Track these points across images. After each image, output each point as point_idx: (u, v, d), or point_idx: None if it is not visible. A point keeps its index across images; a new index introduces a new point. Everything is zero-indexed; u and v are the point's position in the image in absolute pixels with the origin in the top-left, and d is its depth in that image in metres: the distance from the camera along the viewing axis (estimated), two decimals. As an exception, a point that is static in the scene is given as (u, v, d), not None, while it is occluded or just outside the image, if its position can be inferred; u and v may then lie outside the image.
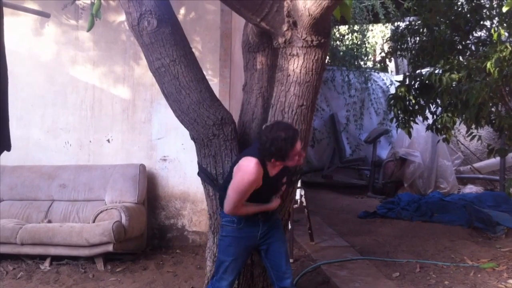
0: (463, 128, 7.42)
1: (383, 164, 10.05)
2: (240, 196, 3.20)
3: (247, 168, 3.17)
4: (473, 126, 5.26)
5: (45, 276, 5.02)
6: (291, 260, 5.29)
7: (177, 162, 6.13)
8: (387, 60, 6.71)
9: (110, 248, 5.13)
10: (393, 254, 5.68)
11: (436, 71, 5.43)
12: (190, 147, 4.07)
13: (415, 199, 8.12)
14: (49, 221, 5.59)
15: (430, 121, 6.04)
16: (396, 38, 6.47)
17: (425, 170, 9.36)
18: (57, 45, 6.25)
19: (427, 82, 5.51)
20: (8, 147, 2.65)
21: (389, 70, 13.06)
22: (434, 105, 5.85)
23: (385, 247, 5.97)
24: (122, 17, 5.94)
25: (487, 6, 5.82)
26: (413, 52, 6.37)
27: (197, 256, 5.65)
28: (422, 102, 5.84)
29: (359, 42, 12.30)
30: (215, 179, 3.64)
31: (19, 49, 6.15)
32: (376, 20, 10.86)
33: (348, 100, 11.42)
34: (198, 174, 3.80)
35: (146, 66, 3.75)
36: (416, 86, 5.80)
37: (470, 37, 6.05)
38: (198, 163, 3.78)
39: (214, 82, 5.66)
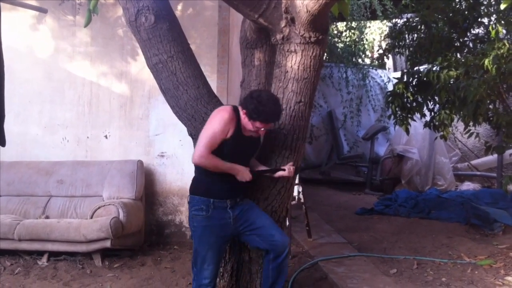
0: (460, 125, 7.42)
1: (381, 161, 10.07)
2: (211, 139, 3.19)
3: (220, 110, 3.28)
4: (471, 123, 5.27)
5: (42, 271, 5.02)
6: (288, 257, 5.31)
7: (175, 158, 6.13)
8: (385, 57, 6.69)
9: (107, 244, 5.13)
10: (391, 250, 5.68)
11: (434, 68, 5.44)
12: (188, 143, 4.07)
13: (412, 196, 8.14)
14: (47, 217, 5.59)
15: (427, 118, 6.04)
16: (394, 35, 6.47)
17: (422, 167, 9.37)
18: (54, 41, 6.24)
19: (425, 79, 5.51)
20: (3, 143, 2.64)
21: (387, 67, 13.04)
22: (432, 102, 5.85)
23: (382, 243, 5.97)
24: (120, 13, 5.92)
25: (485, 3, 5.83)
26: (411, 49, 6.37)
27: (194, 252, 5.65)
28: (420, 99, 5.84)
29: (357, 39, 12.29)
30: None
31: (16, 45, 6.13)
32: (374, 17, 10.86)
33: (346, 97, 11.43)
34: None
35: (144, 62, 3.76)
36: (414, 83, 5.80)
37: (468, 34, 6.05)
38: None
39: (211, 79, 5.64)
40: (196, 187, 3.44)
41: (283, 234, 3.50)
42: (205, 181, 3.39)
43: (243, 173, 3.31)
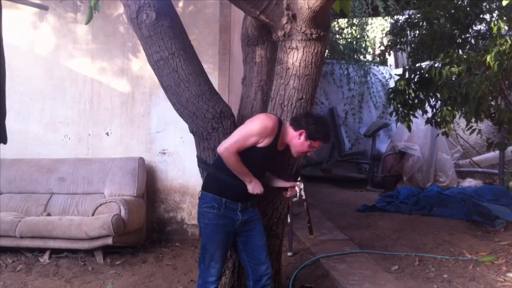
0: (462, 122, 7.41)
1: (382, 158, 10.05)
2: (244, 137, 3.17)
3: (267, 116, 3.27)
4: (473, 120, 5.25)
5: (44, 269, 5.03)
6: (290, 254, 5.32)
7: (176, 155, 6.13)
8: (386, 53, 6.69)
9: (109, 241, 5.14)
10: (392, 247, 5.68)
11: (436, 65, 5.43)
12: (189, 140, 4.06)
13: (414, 192, 8.13)
14: (48, 214, 5.60)
15: (429, 114, 6.03)
16: (396, 31, 6.45)
17: (424, 164, 9.35)
18: (55, 38, 6.24)
19: (426, 75, 5.50)
20: (4, 140, 2.64)
21: (389, 64, 13.03)
22: (433, 99, 5.84)
23: (384, 240, 5.97)
24: (121, 10, 5.92)
25: (487, -1, 5.81)
26: (413, 45, 6.35)
27: (196, 249, 5.65)
28: (421, 96, 5.83)
29: (358, 36, 12.29)
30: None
31: (18, 42, 6.14)
32: (375, 13, 10.84)
33: (348, 94, 11.41)
34: (199, 165, 3.79)
35: (145, 59, 3.75)
36: (415, 79, 5.79)
37: (470, 30, 6.03)
38: (197, 156, 3.78)
39: (213, 76, 5.62)
40: (210, 184, 3.41)
41: (268, 263, 3.43)
42: (219, 179, 3.36)
43: (255, 186, 3.27)
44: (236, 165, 3.19)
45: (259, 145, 3.18)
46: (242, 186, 3.28)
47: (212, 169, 3.46)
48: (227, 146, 3.16)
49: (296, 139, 3.24)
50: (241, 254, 3.47)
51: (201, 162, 3.73)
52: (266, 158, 3.28)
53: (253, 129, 3.17)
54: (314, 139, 3.21)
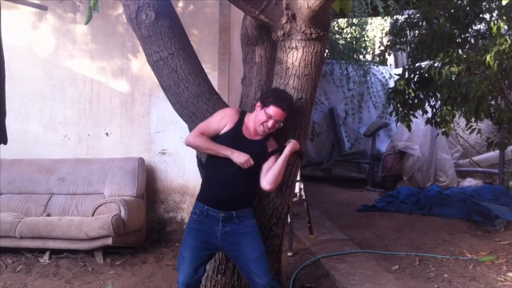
0: (462, 122, 7.41)
1: (382, 158, 10.05)
2: (205, 124, 3.29)
3: (225, 108, 3.42)
4: (473, 119, 5.25)
5: (44, 269, 5.03)
6: (290, 254, 5.32)
7: (176, 155, 6.12)
8: (386, 53, 6.69)
9: (109, 241, 5.14)
10: (392, 247, 5.68)
11: (436, 64, 5.42)
12: (189, 140, 4.06)
13: (414, 192, 8.12)
14: (48, 215, 5.59)
15: (429, 114, 6.03)
16: (395, 31, 6.45)
17: (424, 164, 9.36)
18: (55, 38, 6.23)
19: (426, 75, 5.49)
20: (4, 141, 2.64)
21: (388, 64, 13.03)
22: (433, 99, 5.84)
23: (384, 240, 5.97)
24: (120, 10, 5.92)
25: (487, -1, 5.81)
26: (412, 45, 6.35)
27: (196, 249, 5.65)
28: (421, 96, 5.83)
29: (358, 36, 12.29)
30: None
31: (17, 43, 6.13)
32: (375, 13, 10.84)
33: (347, 93, 11.41)
34: (199, 165, 3.79)
35: (145, 59, 3.75)
36: (415, 79, 5.78)
37: (470, 30, 6.03)
38: (197, 157, 3.78)
39: (212, 76, 5.62)
40: (199, 192, 3.43)
41: (265, 274, 3.23)
42: (203, 185, 3.41)
43: (239, 155, 3.18)
44: (206, 143, 3.24)
45: (222, 131, 3.26)
46: (224, 187, 3.27)
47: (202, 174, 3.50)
48: (190, 135, 3.34)
49: (254, 113, 3.27)
50: (239, 270, 3.45)
51: (199, 164, 3.73)
52: (234, 144, 3.24)
53: (213, 117, 3.34)
54: (267, 104, 3.18)
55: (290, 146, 3.32)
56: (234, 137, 3.25)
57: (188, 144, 3.32)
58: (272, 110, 3.17)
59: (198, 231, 3.29)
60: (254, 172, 3.29)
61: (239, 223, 3.29)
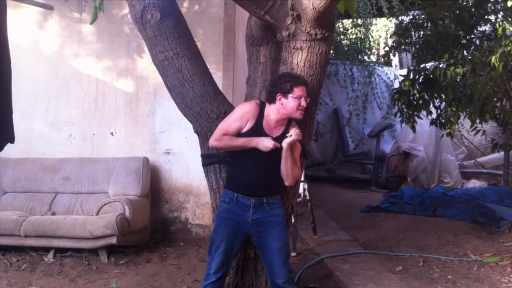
0: (467, 123, 7.40)
1: (387, 159, 10.05)
2: (226, 125, 3.29)
3: (243, 103, 3.40)
4: (477, 121, 5.25)
5: (49, 268, 5.04)
6: (294, 254, 5.31)
7: (180, 155, 6.13)
8: (391, 54, 6.68)
9: (113, 240, 5.15)
10: (396, 248, 5.68)
11: (441, 66, 5.42)
12: (194, 140, 4.07)
13: (418, 193, 8.12)
14: (53, 214, 5.61)
15: (434, 115, 6.02)
16: (400, 32, 6.45)
17: (428, 165, 9.35)
18: (60, 38, 6.25)
19: (431, 76, 5.49)
20: (12, 140, 2.64)
21: (393, 65, 13.03)
22: (438, 100, 5.83)
23: (388, 241, 5.97)
24: (126, 10, 5.94)
25: (492, 0, 5.79)
26: (417, 46, 6.35)
27: (200, 249, 5.66)
28: (426, 97, 5.82)
29: (362, 36, 12.28)
30: (223, 156, 3.58)
31: (22, 42, 6.15)
32: (380, 14, 10.84)
33: (352, 94, 11.41)
34: (203, 165, 3.78)
35: (150, 59, 3.75)
36: (420, 80, 5.78)
37: (475, 31, 6.03)
38: (202, 156, 3.78)
39: (217, 76, 5.64)
40: (227, 181, 3.48)
41: (285, 265, 3.30)
42: (231, 173, 3.46)
43: (263, 141, 3.25)
44: (230, 142, 3.29)
45: (244, 130, 3.28)
46: (252, 173, 3.32)
47: (227, 168, 3.54)
48: (212, 137, 3.35)
49: (281, 106, 3.25)
50: (260, 254, 3.47)
51: (206, 157, 3.71)
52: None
53: (233, 115, 3.32)
54: (289, 89, 3.20)
55: (287, 140, 3.28)
56: (255, 135, 3.28)
57: (212, 147, 3.42)
58: (297, 91, 3.21)
59: (228, 220, 3.33)
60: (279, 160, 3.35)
61: (270, 211, 3.34)
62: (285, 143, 3.26)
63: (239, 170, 3.38)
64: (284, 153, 3.27)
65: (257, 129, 3.28)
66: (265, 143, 3.23)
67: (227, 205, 3.33)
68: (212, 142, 3.35)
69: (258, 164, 3.32)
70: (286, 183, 3.37)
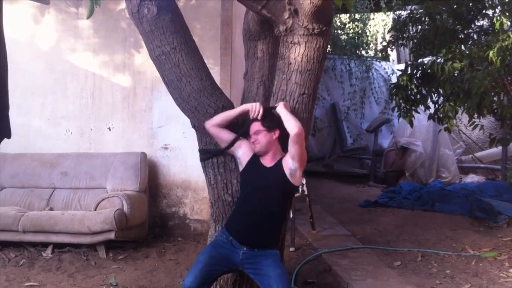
0: (465, 118, 7.39)
1: (385, 153, 10.04)
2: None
3: None
4: (475, 116, 5.25)
5: (47, 263, 5.04)
6: (292, 249, 5.33)
7: (178, 150, 6.13)
8: (388, 49, 6.67)
9: (112, 236, 5.15)
10: (394, 243, 5.68)
11: (438, 60, 5.42)
12: (191, 135, 4.06)
13: (416, 188, 8.12)
14: (51, 209, 5.61)
15: (432, 110, 6.02)
16: (398, 27, 6.44)
17: (426, 160, 9.35)
18: (57, 33, 6.24)
19: (429, 71, 5.49)
20: (8, 135, 2.63)
21: (391, 59, 13.02)
22: (436, 94, 5.83)
23: (386, 236, 5.97)
24: (122, 5, 5.92)
25: (490, -6, 5.79)
26: (415, 41, 6.34)
27: (198, 244, 5.67)
28: (424, 91, 5.83)
29: (360, 31, 12.28)
30: (220, 149, 3.54)
31: (19, 37, 6.14)
32: (377, 8, 10.82)
33: (349, 89, 11.40)
34: (201, 160, 3.77)
35: (147, 54, 3.73)
36: (418, 75, 5.78)
37: (472, 26, 6.01)
38: (199, 150, 3.77)
39: (214, 70, 5.63)
40: (228, 218, 3.47)
41: None
42: (232, 213, 3.45)
43: (253, 105, 3.32)
44: (224, 114, 3.40)
45: (244, 164, 3.40)
46: (247, 214, 3.27)
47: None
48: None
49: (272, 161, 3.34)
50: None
51: (204, 152, 3.70)
52: (253, 174, 3.33)
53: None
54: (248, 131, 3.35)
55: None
56: (252, 167, 3.31)
57: (209, 127, 3.41)
58: (252, 128, 3.31)
59: (221, 246, 3.26)
60: (282, 205, 3.34)
61: (260, 255, 3.24)
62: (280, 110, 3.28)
63: (238, 214, 3.33)
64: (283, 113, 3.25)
65: (254, 162, 3.32)
66: (254, 106, 3.30)
67: (221, 241, 3.28)
68: (208, 121, 3.39)
69: (257, 209, 3.26)
70: (293, 133, 3.14)
